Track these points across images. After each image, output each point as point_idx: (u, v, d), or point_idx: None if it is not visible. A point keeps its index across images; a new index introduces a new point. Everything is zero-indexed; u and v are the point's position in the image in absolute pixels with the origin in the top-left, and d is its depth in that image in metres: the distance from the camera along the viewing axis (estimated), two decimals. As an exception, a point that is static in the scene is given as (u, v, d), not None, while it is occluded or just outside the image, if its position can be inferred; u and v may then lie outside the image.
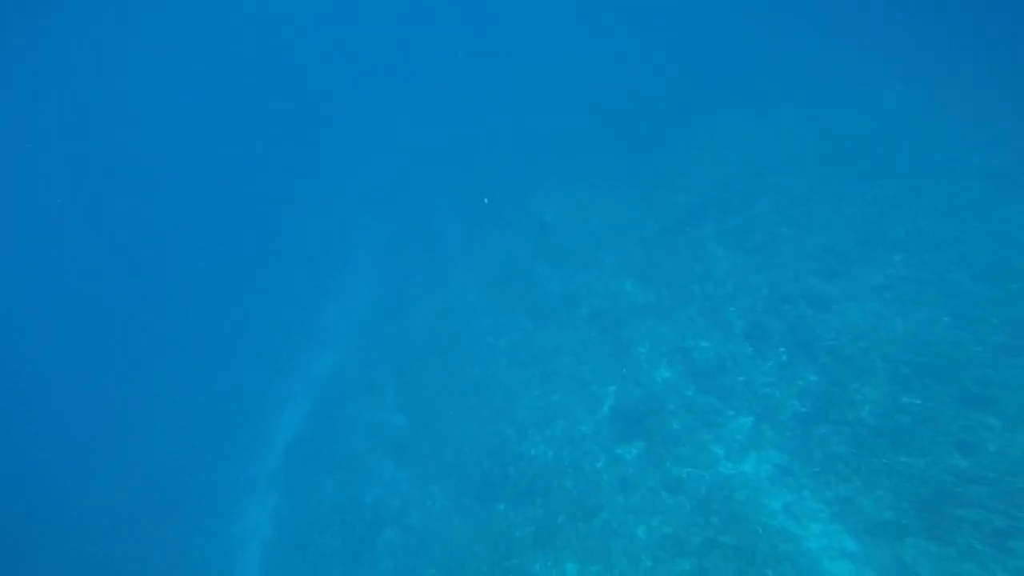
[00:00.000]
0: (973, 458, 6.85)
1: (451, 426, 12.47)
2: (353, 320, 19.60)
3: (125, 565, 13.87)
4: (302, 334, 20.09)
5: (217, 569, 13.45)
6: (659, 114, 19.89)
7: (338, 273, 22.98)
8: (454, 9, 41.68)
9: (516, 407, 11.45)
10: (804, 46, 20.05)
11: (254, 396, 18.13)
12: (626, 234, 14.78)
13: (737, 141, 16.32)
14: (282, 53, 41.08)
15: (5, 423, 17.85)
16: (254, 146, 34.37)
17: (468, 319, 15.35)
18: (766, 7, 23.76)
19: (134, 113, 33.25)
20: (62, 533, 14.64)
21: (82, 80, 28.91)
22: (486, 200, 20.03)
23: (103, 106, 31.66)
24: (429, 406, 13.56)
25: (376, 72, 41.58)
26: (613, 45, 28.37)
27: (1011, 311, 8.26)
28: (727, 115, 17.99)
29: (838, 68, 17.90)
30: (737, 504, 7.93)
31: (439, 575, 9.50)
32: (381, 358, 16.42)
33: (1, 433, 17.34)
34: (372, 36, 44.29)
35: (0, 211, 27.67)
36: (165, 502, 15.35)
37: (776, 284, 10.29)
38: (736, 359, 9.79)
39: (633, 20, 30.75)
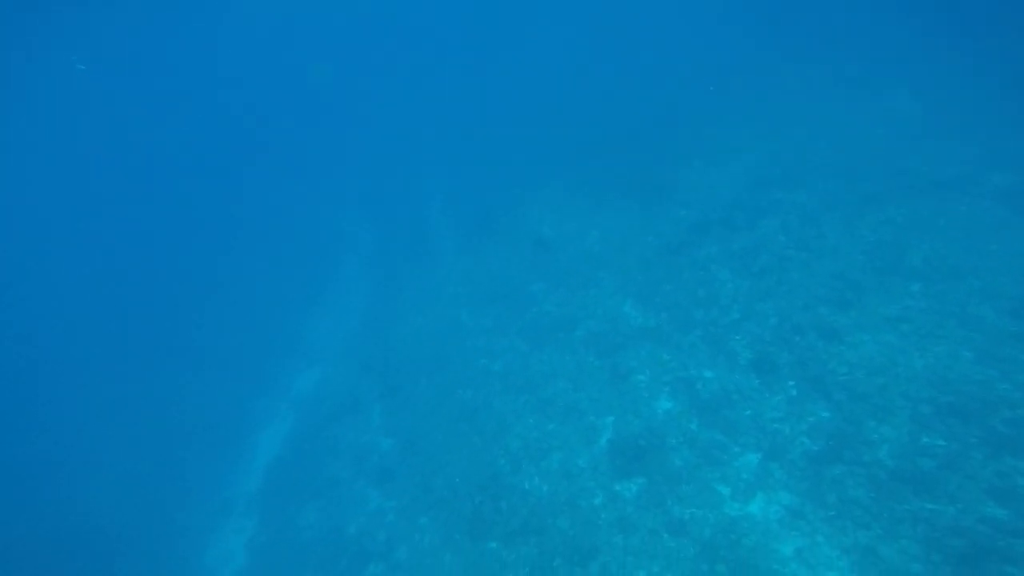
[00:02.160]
0: (1012, 507, 6.54)
1: (441, 453, 12.03)
2: (340, 334, 19.15)
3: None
4: (287, 348, 19.60)
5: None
6: (661, 123, 19.79)
7: (326, 282, 22.57)
8: (455, 11, 41.77)
9: (510, 436, 11.06)
10: (810, 53, 20.00)
11: (235, 413, 17.56)
12: (626, 252, 14.53)
13: (742, 153, 16.17)
14: (273, 53, 40.86)
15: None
16: (241, 148, 34.00)
17: (460, 338, 14.97)
18: (771, 14, 23.87)
19: (114, 112, 32.80)
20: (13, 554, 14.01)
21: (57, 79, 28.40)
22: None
23: (78, 106, 31.16)
24: (418, 430, 13.12)
25: (371, 74, 41.50)
26: (615, 51, 28.37)
27: (1035, 346, 8.05)
28: (732, 125, 17.87)
29: (845, 76, 17.82)
30: (744, 549, 7.57)
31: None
32: (368, 376, 15.96)
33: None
34: (368, 37, 44.29)
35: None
36: (135, 523, 14.76)
37: (785, 313, 10.03)
38: (742, 392, 9.49)
39: (636, 25, 30.82)
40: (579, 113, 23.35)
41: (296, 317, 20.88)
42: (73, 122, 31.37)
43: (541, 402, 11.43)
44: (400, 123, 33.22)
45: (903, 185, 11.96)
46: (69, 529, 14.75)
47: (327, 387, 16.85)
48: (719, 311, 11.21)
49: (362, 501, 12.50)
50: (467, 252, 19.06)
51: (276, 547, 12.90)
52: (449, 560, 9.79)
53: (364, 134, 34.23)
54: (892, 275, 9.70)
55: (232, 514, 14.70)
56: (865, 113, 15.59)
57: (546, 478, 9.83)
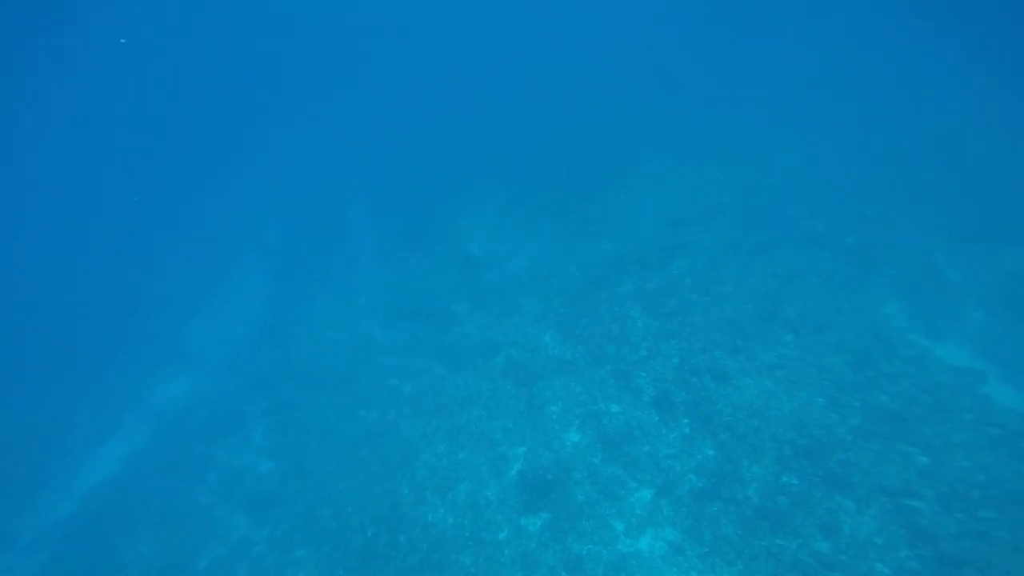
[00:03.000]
0: (832, 540, 7.84)
1: (333, 479, 11.45)
2: (229, 340, 17.37)
3: None
4: (155, 351, 17.27)
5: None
6: (597, 151, 20.70)
7: (220, 281, 20.55)
8: (396, 26, 41.02)
9: (417, 464, 10.96)
10: (736, 97, 22.10)
11: (56, 423, 14.92)
12: (550, 280, 15.12)
13: (667, 190, 17.54)
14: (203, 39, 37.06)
15: None
16: (141, 127, 30.22)
17: (370, 355, 14.55)
18: (710, 58, 26.11)
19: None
20: None
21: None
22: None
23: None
24: (308, 452, 12.38)
25: (307, 73, 39.21)
26: (554, 73, 29.19)
27: (868, 396, 9.71)
28: (662, 160, 19.23)
29: (760, 123, 20.02)
30: (632, 584, 8.26)
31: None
32: (256, 389, 14.67)
33: None
34: (307, 41, 41.88)
35: None
36: None
37: (686, 354, 11.11)
38: (643, 428, 10.33)
39: (578, 49, 31.87)
40: (521, 133, 23.82)
41: (174, 317, 18.64)
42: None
43: (454, 429, 11.49)
44: (331, 120, 31.60)
45: (786, 235, 13.87)
46: None
47: (201, 399, 15.20)
48: (629, 348, 12.09)
49: (224, 530, 11.39)
50: (389, 262, 18.58)
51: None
52: (332, 600, 9.45)
53: (291, 125, 32.09)
54: (771, 324, 11.19)
55: (9, 550, 12.16)
56: (765, 162, 17.74)
57: (452, 509, 9.90)
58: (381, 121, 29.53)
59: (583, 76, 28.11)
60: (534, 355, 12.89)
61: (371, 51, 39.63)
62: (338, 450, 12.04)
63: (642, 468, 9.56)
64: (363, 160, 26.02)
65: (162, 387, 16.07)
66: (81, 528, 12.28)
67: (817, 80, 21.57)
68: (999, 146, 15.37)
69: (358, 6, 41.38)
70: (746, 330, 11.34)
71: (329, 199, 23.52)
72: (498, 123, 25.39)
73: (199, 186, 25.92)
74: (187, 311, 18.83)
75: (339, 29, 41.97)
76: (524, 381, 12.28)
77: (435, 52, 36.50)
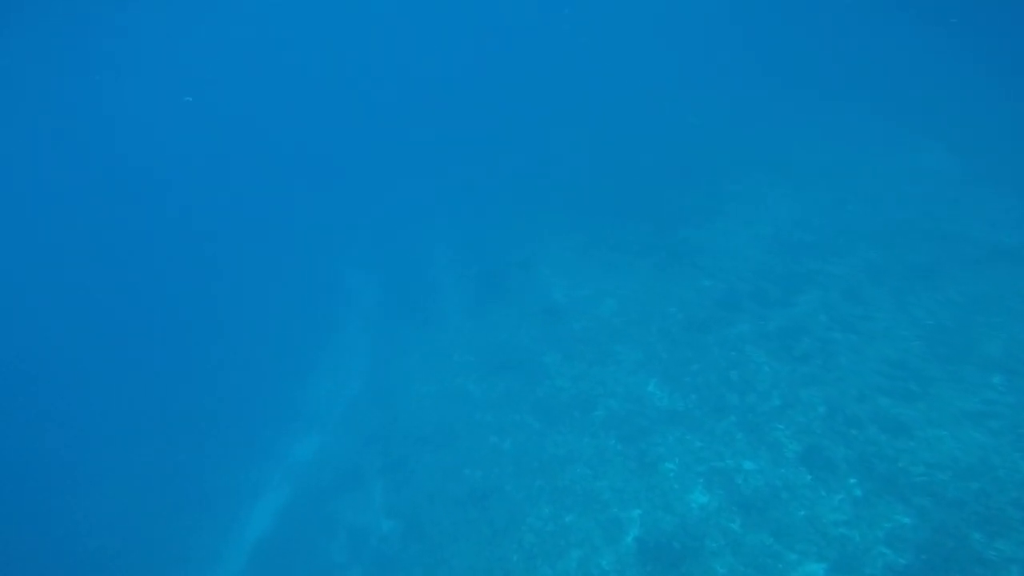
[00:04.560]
0: None
1: (447, 542, 10.64)
2: (341, 399, 18.00)
3: None
4: (284, 410, 18.24)
5: None
6: (677, 175, 19.39)
7: (326, 342, 21.65)
8: (470, 59, 42.06)
9: (523, 527, 9.80)
10: (839, 101, 19.77)
11: (227, 482, 15.94)
12: (646, 324, 14.02)
13: (770, 211, 15.89)
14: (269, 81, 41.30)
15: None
16: (234, 194, 33.63)
17: (467, 411, 14.01)
18: (798, 59, 23.92)
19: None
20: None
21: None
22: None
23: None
24: (422, 512, 11.77)
25: (370, 118, 40.51)
26: (630, 94, 27.97)
27: None
28: (757, 178, 17.53)
29: (877, 127, 17.67)
30: None
31: None
32: (370, 447, 14.73)
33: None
34: (366, 76, 44.21)
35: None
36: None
37: (836, 402, 9.29)
38: (792, 489, 8.48)
39: (652, 66, 30.41)
40: (590, 162, 23.09)
41: (294, 377, 19.75)
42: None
43: (557, 490, 10.28)
44: (405, 163, 32.53)
45: (956, 254, 11.50)
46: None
47: (327, 457, 15.50)
48: (757, 397, 10.45)
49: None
50: (474, 315, 18.49)
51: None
52: None
53: (366, 179, 33.24)
54: (963, 364, 9.06)
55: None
56: (900, 168, 15.37)
57: (562, 583, 8.50)
58: (452, 164, 29.91)
59: (657, 91, 26.72)
60: (639, 407, 11.61)
61: (440, 93, 40.33)
62: (449, 510, 11.39)
63: (802, 537, 7.65)
64: (439, 206, 26.42)
65: (297, 444, 16.68)
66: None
67: (953, 68, 18.73)
68: None
69: (428, 50, 43.07)
70: (923, 372, 9.30)
71: (412, 253, 24.16)
72: (565, 153, 24.70)
73: (303, 246, 27.84)
74: (304, 372, 19.84)
75: (419, 74, 43.05)
76: (630, 436, 10.96)
77: (503, 87, 36.59)
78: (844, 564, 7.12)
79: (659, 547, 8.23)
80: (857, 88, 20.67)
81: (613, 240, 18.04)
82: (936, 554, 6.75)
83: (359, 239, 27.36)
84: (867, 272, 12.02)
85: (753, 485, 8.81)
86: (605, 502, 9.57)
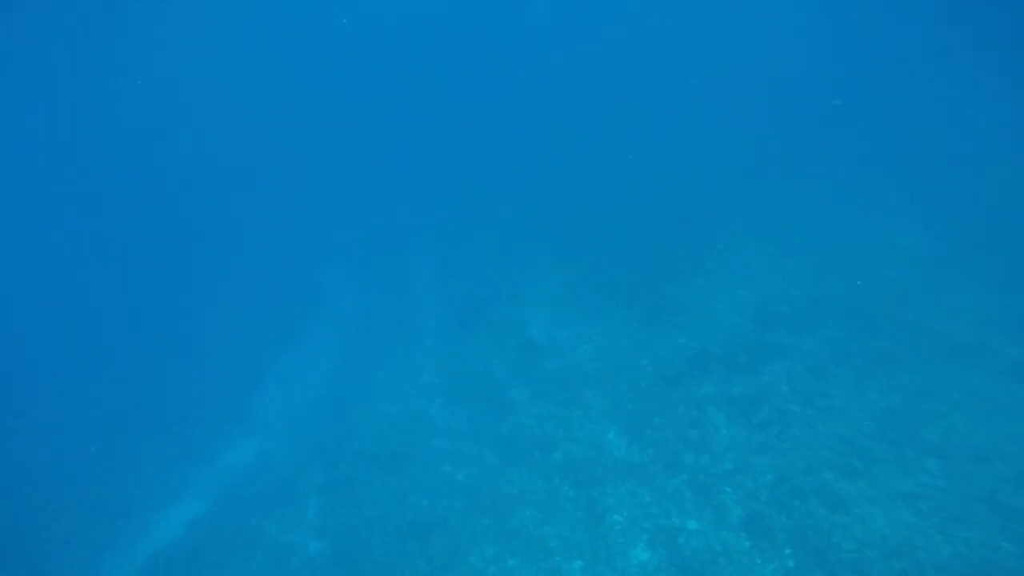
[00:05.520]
0: None
1: (377, 573, 10.62)
2: (293, 406, 17.75)
3: None
4: (228, 412, 17.85)
5: None
6: (671, 224, 19.90)
7: (291, 344, 21.40)
8: (462, 66, 41.76)
9: (463, 566, 9.88)
10: (833, 164, 20.38)
11: (135, 484, 14.95)
12: (618, 374, 14.39)
13: (753, 278, 16.47)
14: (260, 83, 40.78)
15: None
16: (219, 178, 33.30)
17: (426, 435, 14.13)
18: (796, 122, 24.55)
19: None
20: None
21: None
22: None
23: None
24: (357, 537, 11.69)
25: (366, 120, 40.17)
26: (631, 136, 28.37)
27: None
28: (746, 237, 18.12)
29: (866, 194, 18.31)
30: None
31: None
32: (314, 461, 14.57)
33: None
34: (364, 80, 43.68)
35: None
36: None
37: (784, 472, 9.65)
38: (730, 554, 8.74)
39: (649, 114, 30.59)
40: (587, 200, 23.49)
41: (247, 378, 19.26)
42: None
43: (505, 531, 10.41)
44: (405, 178, 32.22)
45: (915, 343, 12.14)
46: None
47: (264, 465, 15.12)
48: (710, 458, 10.78)
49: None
50: (450, 338, 18.58)
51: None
52: None
53: (357, 177, 33.04)
54: (905, 447, 9.51)
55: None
56: (875, 247, 16.12)
57: (494, 629, 8.60)
58: (448, 183, 30.02)
59: (663, 139, 27.33)
60: (596, 454, 11.88)
61: (438, 108, 39.76)
62: (386, 539, 11.31)
63: (732, 608, 7.90)
64: (430, 223, 26.37)
65: (232, 449, 16.20)
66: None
67: (936, 142, 19.49)
68: None
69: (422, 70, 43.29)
70: (868, 451, 9.73)
71: (399, 263, 24.07)
72: (567, 191, 25.11)
73: (282, 242, 27.44)
74: (259, 372, 19.44)
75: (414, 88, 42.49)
76: (584, 483, 11.19)
77: (509, 110, 36.43)
78: (765, 638, 7.37)
79: (593, 601, 8.41)
80: (852, 150, 21.59)
81: (601, 283, 18.35)
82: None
83: (341, 243, 26.89)
84: (832, 351, 12.58)
85: (694, 546, 9.06)
86: (550, 549, 9.73)
